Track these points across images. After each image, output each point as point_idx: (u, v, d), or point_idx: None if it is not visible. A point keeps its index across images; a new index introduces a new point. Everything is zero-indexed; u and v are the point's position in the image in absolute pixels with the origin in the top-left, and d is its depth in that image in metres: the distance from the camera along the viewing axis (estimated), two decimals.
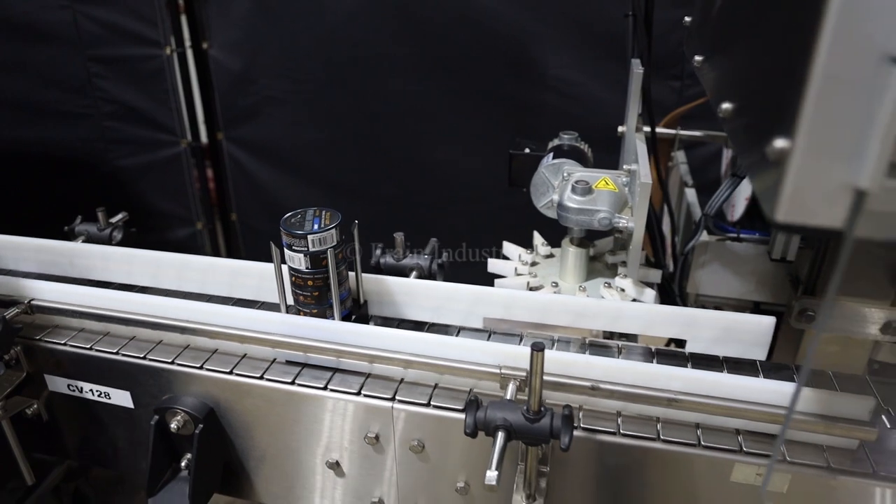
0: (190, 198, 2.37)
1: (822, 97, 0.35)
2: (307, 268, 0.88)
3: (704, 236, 1.25)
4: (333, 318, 0.91)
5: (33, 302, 0.99)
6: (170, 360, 0.95)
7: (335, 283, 0.89)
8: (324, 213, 0.90)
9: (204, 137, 2.38)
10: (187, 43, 2.25)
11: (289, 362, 0.93)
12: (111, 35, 2.19)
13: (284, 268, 0.91)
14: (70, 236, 1.19)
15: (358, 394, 0.88)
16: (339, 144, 2.29)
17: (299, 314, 0.93)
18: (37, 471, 1.97)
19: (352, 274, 0.96)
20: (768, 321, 0.86)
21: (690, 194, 1.49)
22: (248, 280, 1.05)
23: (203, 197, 2.42)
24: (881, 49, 0.33)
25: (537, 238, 1.17)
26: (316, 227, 0.87)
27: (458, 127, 2.04)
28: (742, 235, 1.27)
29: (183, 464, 0.97)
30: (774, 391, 0.76)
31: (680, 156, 1.65)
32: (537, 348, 0.69)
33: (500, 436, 0.72)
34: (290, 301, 0.94)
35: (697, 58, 0.88)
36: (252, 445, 0.97)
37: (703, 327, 0.88)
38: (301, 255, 0.87)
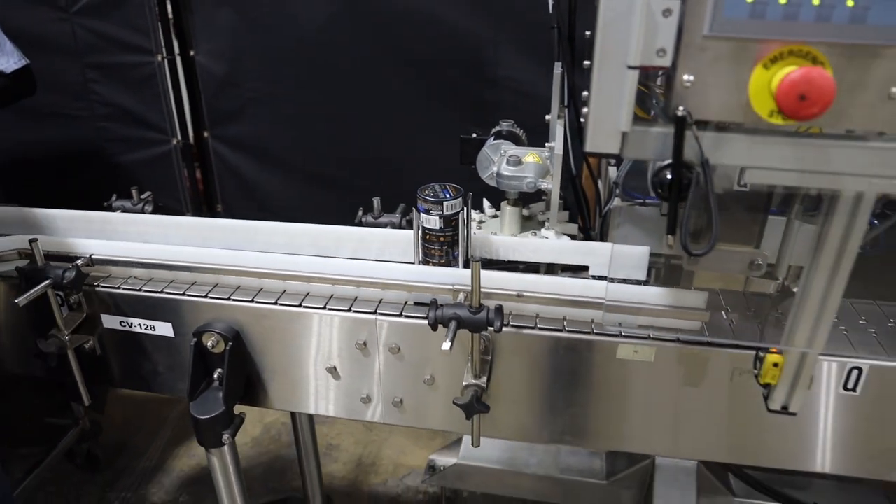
0: (180, 190, 2.67)
1: (600, 86, 0.71)
2: (440, 227, 1.20)
3: (616, 202, 1.61)
4: (458, 266, 1.22)
5: (93, 256, 1.31)
6: (203, 295, 1.27)
7: (462, 238, 1.21)
8: (448, 186, 1.22)
9: (192, 136, 2.68)
10: (176, 51, 2.55)
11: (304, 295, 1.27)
12: (107, 44, 2.48)
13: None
14: (109, 211, 1.50)
15: (348, 311, 1.22)
16: (315, 140, 2.61)
17: (428, 265, 1.23)
18: (51, 435, 2.29)
19: None
20: (643, 250, 1.23)
21: (612, 171, 1.87)
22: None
23: (192, 190, 2.72)
24: (623, 61, 0.69)
25: (486, 203, 1.53)
26: (448, 196, 1.19)
27: (421, 121, 2.38)
28: (647, 201, 1.63)
29: (215, 376, 1.29)
30: (637, 292, 1.13)
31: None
32: (475, 260, 1.05)
33: (452, 324, 1.06)
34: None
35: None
36: (267, 360, 1.30)
37: (598, 255, 1.24)
38: (437, 218, 1.19)
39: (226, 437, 1.28)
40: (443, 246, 1.22)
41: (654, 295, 1.13)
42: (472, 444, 1.23)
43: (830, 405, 1.13)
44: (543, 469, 1.97)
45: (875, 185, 0.72)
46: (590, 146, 0.74)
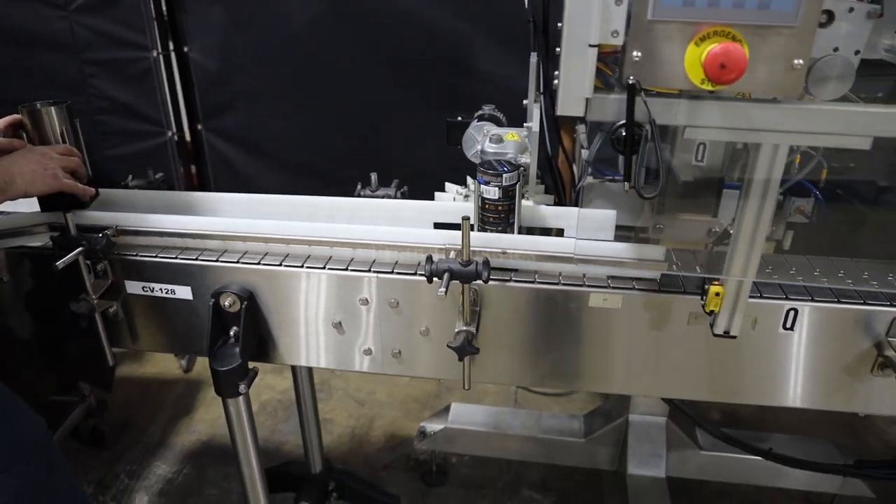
0: (175, 181, 2.81)
1: (567, 61, 0.89)
2: (499, 197, 1.35)
3: (588, 180, 1.80)
4: (514, 233, 1.38)
5: (118, 227, 1.47)
6: (219, 259, 1.43)
7: (518, 207, 1.37)
8: (505, 161, 1.38)
9: (186, 129, 2.83)
10: (171, 47, 2.70)
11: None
12: (104, 41, 2.62)
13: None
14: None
15: (348, 269, 1.38)
16: (304, 133, 2.77)
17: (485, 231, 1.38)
18: (58, 412, 2.43)
19: None
20: (611, 213, 1.42)
21: (584, 153, 2.06)
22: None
23: (186, 180, 2.87)
24: (585, 40, 0.88)
25: (469, 180, 1.71)
26: (506, 169, 1.34)
27: (406, 113, 2.55)
28: (616, 178, 1.83)
29: (231, 333, 1.45)
30: (604, 247, 1.31)
31: (581, 128, 2.22)
32: (465, 218, 1.22)
33: (446, 276, 1.24)
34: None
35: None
36: (277, 318, 1.46)
37: (570, 219, 1.43)
38: (496, 189, 1.34)
39: (242, 387, 1.45)
40: (500, 214, 1.38)
41: (620, 249, 1.32)
42: (464, 387, 1.40)
43: (774, 344, 1.33)
44: (526, 430, 2.16)
45: (787, 138, 0.92)
46: (561, 110, 0.92)
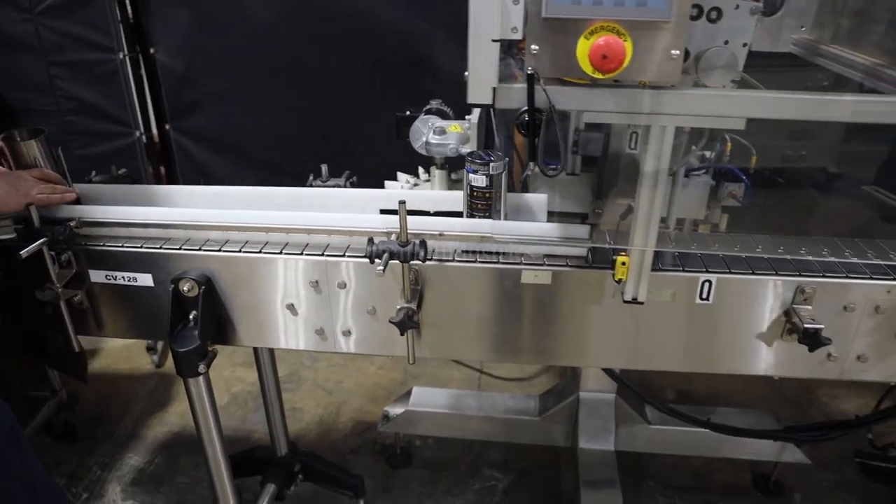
0: (144, 180, 2.91)
1: (474, 55, 1.01)
2: (486, 185, 1.44)
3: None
4: (500, 220, 1.46)
5: (81, 219, 1.57)
6: (178, 247, 1.54)
7: (504, 195, 1.45)
8: (492, 151, 1.46)
9: (154, 129, 2.92)
10: (137, 49, 2.79)
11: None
12: (70, 43, 2.71)
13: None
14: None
15: (301, 254, 1.49)
16: (271, 130, 2.88)
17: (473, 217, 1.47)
18: (30, 406, 2.51)
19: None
20: (542, 198, 1.54)
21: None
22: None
23: (155, 179, 2.96)
24: (489, 36, 0.99)
25: (421, 170, 1.82)
26: (492, 159, 1.42)
27: (366, 109, 2.65)
28: (558, 167, 1.95)
29: (191, 317, 1.55)
30: (535, 228, 1.44)
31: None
32: (401, 202, 1.34)
33: (385, 256, 1.35)
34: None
35: None
36: (235, 302, 1.56)
37: (508, 204, 1.55)
38: (484, 177, 1.42)
39: (201, 367, 1.55)
40: (487, 201, 1.47)
41: (549, 229, 1.44)
42: (409, 361, 1.53)
43: (692, 314, 1.46)
44: (485, 411, 2.28)
45: (672, 120, 1.04)
46: (471, 99, 1.04)
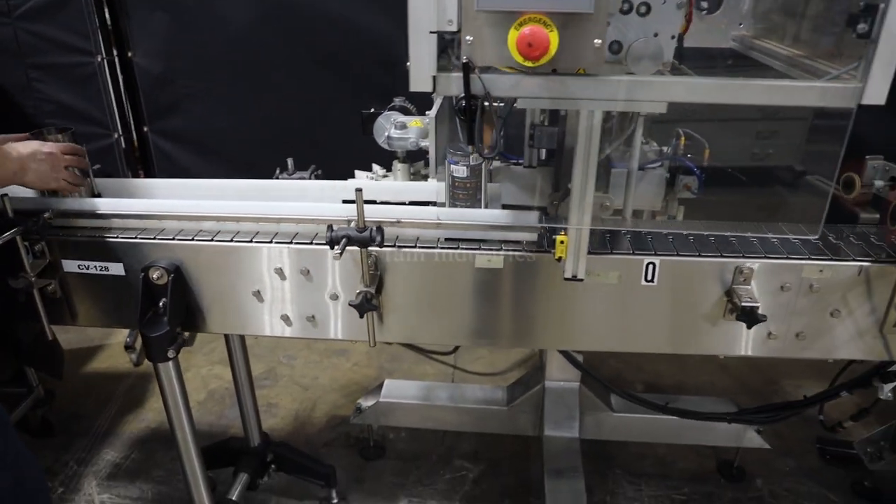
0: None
1: (414, 46, 1.11)
2: (467, 175, 1.51)
3: (496, 163, 2.02)
4: (481, 208, 1.53)
5: (54, 208, 1.64)
6: (150, 237, 1.62)
7: (484, 185, 1.53)
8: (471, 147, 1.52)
9: (133, 130, 3.00)
10: (114, 52, 2.87)
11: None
12: (49, 46, 2.79)
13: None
14: None
15: (268, 242, 1.58)
16: (247, 130, 2.96)
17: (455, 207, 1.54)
18: (7, 403, 2.57)
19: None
20: (496, 186, 1.63)
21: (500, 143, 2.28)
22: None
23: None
24: (427, 28, 1.09)
25: (375, 166, 1.91)
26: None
27: (339, 107, 2.75)
28: (519, 161, 2.04)
29: (161, 304, 1.63)
30: (488, 214, 1.52)
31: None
32: (358, 190, 1.43)
33: (343, 241, 1.44)
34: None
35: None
36: (204, 290, 1.64)
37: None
38: (464, 168, 1.49)
39: (171, 352, 1.63)
40: (468, 191, 1.55)
41: (499, 215, 1.53)
42: (370, 344, 1.60)
43: (638, 295, 1.55)
44: (454, 401, 2.36)
45: (597, 105, 1.14)
46: (413, 87, 1.13)
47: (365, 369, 2.95)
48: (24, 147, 1.58)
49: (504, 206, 1.63)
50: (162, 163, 3.04)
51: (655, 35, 1.24)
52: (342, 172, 1.86)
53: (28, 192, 1.71)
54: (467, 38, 1.08)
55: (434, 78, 1.13)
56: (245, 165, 2.99)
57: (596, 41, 1.08)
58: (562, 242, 1.34)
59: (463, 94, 1.12)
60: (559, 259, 1.38)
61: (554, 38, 1.06)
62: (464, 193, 1.57)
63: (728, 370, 2.89)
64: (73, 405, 2.73)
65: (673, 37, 1.26)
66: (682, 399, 2.29)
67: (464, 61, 1.09)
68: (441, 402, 2.36)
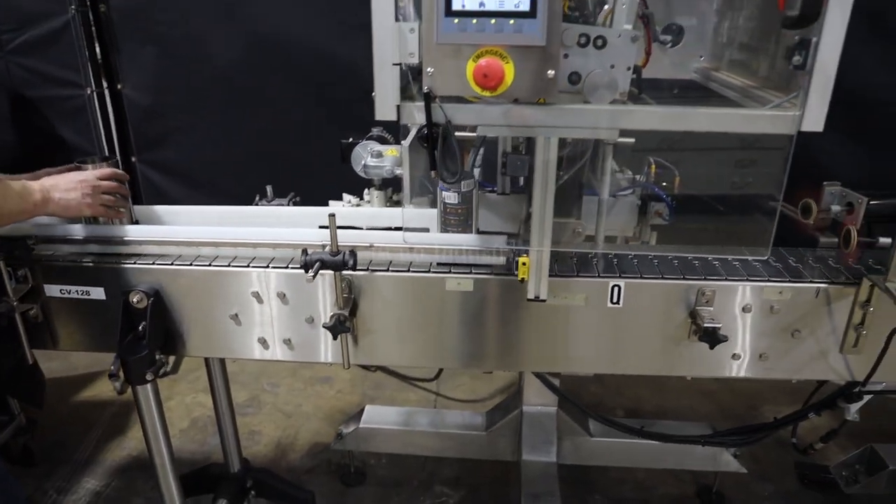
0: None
1: (379, 77, 1.17)
2: (458, 202, 1.58)
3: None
4: (472, 233, 1.60)
5: (38, 236, 1.69)
6: (130, 262, 1.67)
7: (476, 211, 1.58)
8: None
9: (120, 162, 3.07)
10: (104, 84, 2.95)
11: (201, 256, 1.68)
12: (39, 80, 2.87)
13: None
14: None
15: (247, 266, 1.63)
16: (234, 161, 3.03)
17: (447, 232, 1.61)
18: None
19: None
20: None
21: (476, 172, 2.35)
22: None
23: None
24: (390, 60, 1.16)
25: (365, 191, 1.97)
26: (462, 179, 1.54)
27: (322, 137, 2.82)
28: (495, 189, 2.11)
29: (140, 328, 1.67)
30: (476, 239, 1.58)
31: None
32: (331, 215, 1.48)
33: (317, 265, 1.49)
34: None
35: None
36: (184, 314, 1.69)
37: (433, 218, 1.70)
38: (456, 194, 1.56)
39: (149, 375, 1.67)
40: (459, 217, 1.61)
41: (471, 240, 1.59)
42: (344, 366, 1.65)
43: (605, 317, 1.60)
44: (434, 427, 2.39)
45: (551, 132, 1.21)
46: (378, 115, 1.20)
47: (348, 396, 2.98)
48: (51, 179, 1.61)
49: (479, 232, 1.69)
50: (149, 192, 3.10)
51: (612, 67, 1.31)
52: (326, 200, 1.93)
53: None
54: (428, 69, 1.15)
55: (398, 107, 1.19)
56: (230, 194, 3.05)
57: (549, 72, 1.15)
58: (524, 264, 1.40)
59: (423, 124, 1.18)
60: (522, 280, 1.43)
61: (509, 70, 1.13)
62: (455, 219, 1.63)
63: (709, 395, 2.92)
64: (56, 433, 2.75)
65: (629, 68, 1.33)
66: (660, 423, 2.33)
67: (426, 91, 1.16)
68: (421, 428, 2.39)
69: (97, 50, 2.90)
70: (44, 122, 2.94)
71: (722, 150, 1.93)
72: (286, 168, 2.93)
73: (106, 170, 1.70)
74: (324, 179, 2.44)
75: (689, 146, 1.94)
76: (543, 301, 1.46)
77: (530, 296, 1.45)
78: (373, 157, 1.83)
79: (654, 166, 1.87)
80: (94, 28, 2.87)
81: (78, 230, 1.71)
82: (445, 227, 1.65)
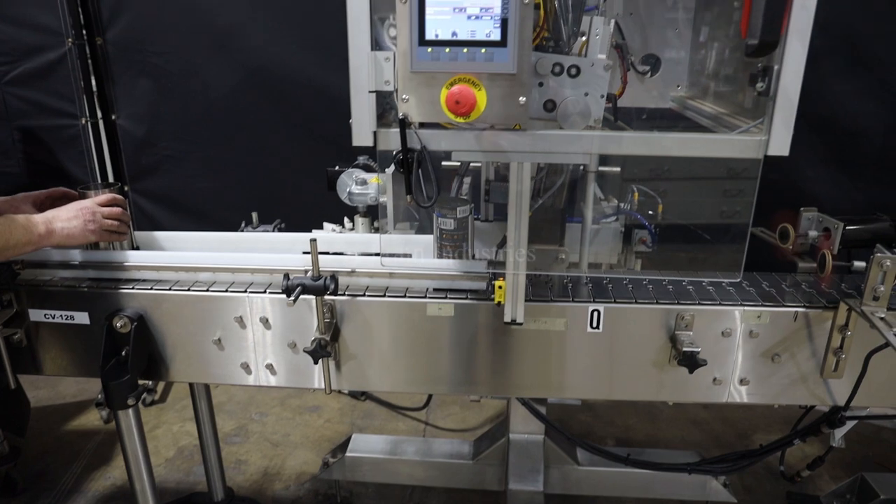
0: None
1: (355, 104, 1.21)
2: (455, 228, 1.60)
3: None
4: (470, 259, 1.62)
5: (24, 260, 1.72)
6: (114, 287, 1.69)
7: (471, 237, 1.61)
8: (458, 198, 1.65)
9: None
10: (99, 115, 3.01)
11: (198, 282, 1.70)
12: (35, 110, 2.93)
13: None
14: None
15: (226, 291, 1.65)
16: (225, 190, 3.07)
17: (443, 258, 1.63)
18: None
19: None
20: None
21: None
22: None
23: None
24: (367, 88, 1.19)
25: (345, 219, 2.00)
26: (458, 206, 1.59)
27: (316, 169, 2.87)
28: (478, 217, 2.14)
29: (123, 353, 1.68)
30: (457, 264, 1.60)
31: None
32: (313, 240, 1.51)
33: (298, 289, 1.51)
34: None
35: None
36: (167, 339, 1.70)
37: (419, 245, 1.72)
38: (452, 220, 1.59)
39: (131, 399, 1.67)
40: (455, 242, 1.63)
41: (452, 264, 1.62)
42: (325, 391, 1.66)
43: (586, 342, 1.61)
44: (420, 456, 2.38)
45: (522, 157, 1.24)
46: (355, 141, 1.23)
47: (337, 426, 2.97)
48: (52, 211, 1.64)
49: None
50: (141, 220, 3.13)
51: (586, 94, 1.35)
52: (316, 227, 1.96)
53: None
54: (404, 96, 1.19)
55: (374, 133, 1.23)
56: (221, 222, 3.08)
57: (521, 98, 1.18)
58: (500, 287, 1.42)
59: (398, 150, 1.22)
60: (498, 304, 1.45)
61: (481, 97, 1.16)
62: (451, 245, 1.65)
63: (700, 425, 2.91)
64: (40, 462, 2.73)
65: (602, 96, 1.37)
66: (648, 451, 2.32)
67: (401, 118, 1.19)
68: (407, 457, 2.37)
69: (93, 82, 2.97)
70: (39, 151, 2.99)
71: (711, 180, 1.97)
72: (277, 196, 2.97)
73: (105, 196, 1.73)
74: (314, 208, 2.48)
75: (677, 176, 1.98)
76: (520, 325, 1.47)
77: (507, 319, 1.47)
78: (357, 184, 1.86)
79: (636, 194, 1.90)
80: (90, 60, 2.94)
81: (63, 254, 1.74)
82: (441, 252, 1.67)
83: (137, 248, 1.85)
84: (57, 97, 2.93)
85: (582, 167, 1.69)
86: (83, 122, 2.95)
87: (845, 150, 2.58)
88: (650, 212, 1.90)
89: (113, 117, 3.02)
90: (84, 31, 2.91)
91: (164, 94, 2.97)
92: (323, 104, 2.80)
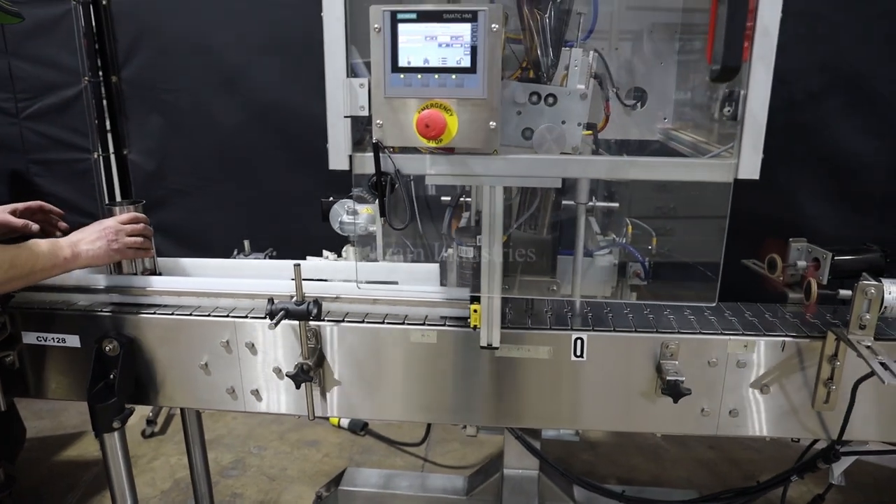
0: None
1: (332, 129, 1.25)
2: (474, 256, 1.59)
3: (449, 251, 2.13)
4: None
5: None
6: (105, 310, 1.73)
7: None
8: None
9: None
10: (111, 149, 3.11)
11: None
12: (50, 144, 3.04)
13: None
14: None
15: (209, 316, 1.67)
16: (232, 225, 3.13)
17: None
18: None
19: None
20: (434, 267, 1.73)
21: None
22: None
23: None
24: (342, 113, 1.24)
25: (343, 249, 2.03)
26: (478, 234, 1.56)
27: (314, 199, 2.93)
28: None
29: (112, 376, 1.71)
30: (440, 291, 1.62)
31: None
32: (296, 265, 1.54)
33: (281, 313, 1.53)
34: None
35: None
36: (156, 363, 1.73)
37: (403, 273, 1.74)
38: (472, 248, 1.60)
39: (116, 423, 1.69)
40: (475, 270, 1.63)
41: (434, 291, 1.63)
42: (309, 418, 1.66)
43: (570, 371, 1.61)
44: (414, 490, 2.35)
45: (494, 181, 1.26)
46: (332, 165, 1.27)
47: (335, 460, 2.95)
48: (76, 234, 1.71)
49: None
50: None
51: (563, 122, 1.38)
52: (316, 255, 2.00)
53: None
54: (377, 121, 1.23)
55: (350, 157, 1.26)
56: (227, 254, 3.15)
57: (491, 123, 1.21)
58: (475, 311, 1.43)
59: (373, 173, 1.25)
60: (475, 328, 1.46)
61: (452, 121, 1.20)
62: (470, 272, 1.68)
63: (706, 465, 2.85)
64: (35, 492, 2.75)
65: (580, 124, 1.39)
66: (646, 490, 2.28)
67: (374, 142, 1.22)
68: (401, 491, 2.35)
69: (106, 117, 3.08)
70: (49, 183, 3.09)
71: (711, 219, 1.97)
72: (278, 226, 3.02)
73: (127, 214, 1.80)
74: (316, 238, 2.53)
75: (681, 214, 1.99)
76: (496, 349, 1.47)
77: (483, 343, 1.47)
78: (348, 214, 1.90)
79: (630, 227, 1.91)
80: (105, 97, 3.06)
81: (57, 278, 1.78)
82: (462, 280, 1.69)
83: (160, 274, 1.90)
84: (71, 132, 3.03)
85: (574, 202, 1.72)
86: (95, 156, 3.04)
87: (849, 187, 2.57)
88: (649, 247, 1.91)
89: (125, 152, 3.12)
90: (100, 70, 3.03)
91: (173, 131, 3.06)
92: (325, 140, 2.86)
